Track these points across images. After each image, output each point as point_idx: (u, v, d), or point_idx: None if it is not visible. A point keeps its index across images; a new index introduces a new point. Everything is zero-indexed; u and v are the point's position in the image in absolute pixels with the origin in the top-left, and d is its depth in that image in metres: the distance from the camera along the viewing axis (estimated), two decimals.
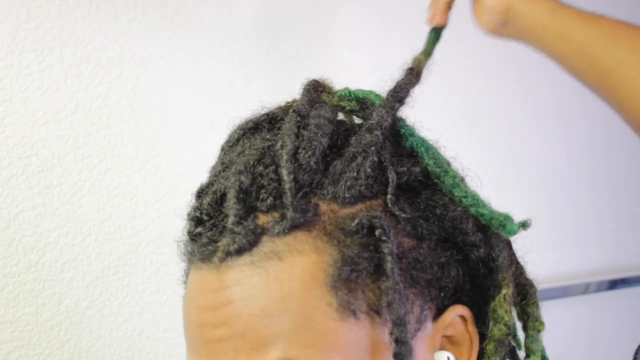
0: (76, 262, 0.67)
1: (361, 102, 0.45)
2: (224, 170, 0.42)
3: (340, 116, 0.45)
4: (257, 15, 0.77)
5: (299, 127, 0.41)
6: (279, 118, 0.44)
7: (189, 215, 0.43)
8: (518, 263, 0.44)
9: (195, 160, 0.74)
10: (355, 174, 0.38)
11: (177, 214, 0.73)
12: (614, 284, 1.12)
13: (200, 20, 0.73)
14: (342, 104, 0.45)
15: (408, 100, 0.44)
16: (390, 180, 0.39)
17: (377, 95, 0.44)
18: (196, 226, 0.42)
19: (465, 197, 0.40)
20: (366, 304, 0.37)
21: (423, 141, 0.42)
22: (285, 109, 0.44)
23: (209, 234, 0.40)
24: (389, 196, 0.39)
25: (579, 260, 1.09)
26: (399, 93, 0.44)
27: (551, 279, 1.00)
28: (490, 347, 0.40)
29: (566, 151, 1.08)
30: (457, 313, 0.41)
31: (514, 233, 0.38)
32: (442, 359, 0.40)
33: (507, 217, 0.39)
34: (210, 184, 0.43)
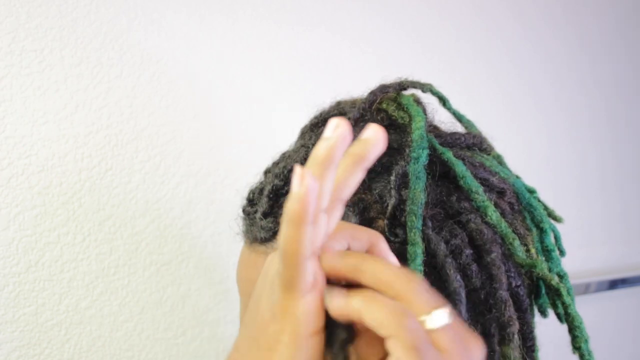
0: (76, 262, 0.67)
1: (410, 117, 0.46)
2: (280, 161, 0.48)
3: None
4: (257, 15, 0.77)
5: None
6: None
7: (247, 194, 0.50)
8: (498, 302, 0.42)
9: (195, 160, 0.74)
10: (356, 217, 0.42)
11: (177, 214, 0.73)
12: (614, 284, 1.12)
13: (200, 20, 0.73)
14: (395, 114, 0.46)
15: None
16: (389, 207, 0.41)
17: (418, 117, 0.45)
18: (247, 205, 0.49)
19: (413, 243, 0.40)
20: None
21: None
22: (352, 105, 0.48)
23: (249, 217, 0.47)
24: (386, 221, 0.41)
25: (579, 261, 1.09)
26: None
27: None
28: None
29: (571, 152, 1.08)
30: None
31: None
32: None
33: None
34: (265, 172, 0.50)
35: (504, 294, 0.41)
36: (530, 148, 1.01)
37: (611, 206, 1.14)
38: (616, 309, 1.16)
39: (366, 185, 0.43)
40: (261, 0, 0.77)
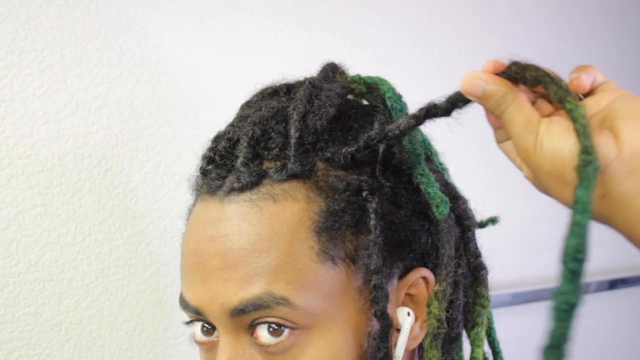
0: (76, 262, 0.67)
1: (369, 87, 0.48)
2: (240, 122, 0.47)
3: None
4: (257, 15, 0.77)
5: (311, 96, 0.45)
6: (295, 88, 0.49)
7: (203, 154, 0.48)
8: (471, 250, 0.48)
9: (195, 159, 0.74)
10: (353, 149, 0.43)
11: (177, 213, 0.73)
12: (614, 284, 1.12)
13: (200, 21, 0.73)
14: (352, 86, 0.48)
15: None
16: (379, 153, 0.44)
17: (383, 82, 0.48)
18: (208, 164, 0.46)
19: (422, 174, 0.44)
20: (344, 252, 0.42)
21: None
22: (302, 82, 0.49)
23: (218, 170, 0.45)
24: (377, 166, 0.44)
25: None
26: (432, 112, 0.42)
27: (551, 279, 1.00)
28: (426, 340, 0.43)
29: None
30: (420, 274, 0.45)
31: (442, 216, 0.43)
32: (402, 313, 0.44)
33: (443, 201, 0.43)
34: (226, 131, 0.48)
35: (475, 242, 0.48)
36: None
37: None
38: (616, 309, 1.16)
39: (349, 139, 0.45)
40: (261, 1, 0.77)
